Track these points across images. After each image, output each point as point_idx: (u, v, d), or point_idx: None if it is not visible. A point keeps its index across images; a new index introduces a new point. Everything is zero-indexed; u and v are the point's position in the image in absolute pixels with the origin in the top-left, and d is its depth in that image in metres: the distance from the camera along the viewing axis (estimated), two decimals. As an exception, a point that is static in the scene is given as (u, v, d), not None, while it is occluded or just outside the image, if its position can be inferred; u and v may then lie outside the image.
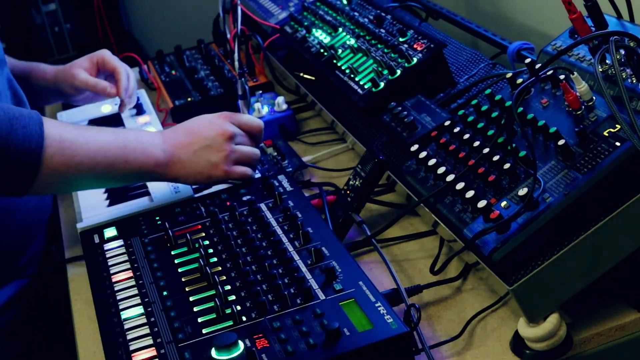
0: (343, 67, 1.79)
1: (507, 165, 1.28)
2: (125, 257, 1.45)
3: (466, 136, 1.40)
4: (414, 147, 1.46)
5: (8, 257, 1.68)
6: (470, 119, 1.44)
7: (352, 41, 1.83)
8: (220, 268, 1.36)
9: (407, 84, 1.65)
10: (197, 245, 1.42)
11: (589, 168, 1.19)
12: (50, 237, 1.81)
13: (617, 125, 1.22)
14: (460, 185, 1.31)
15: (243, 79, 1.80)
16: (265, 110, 1.95)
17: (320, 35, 1.94)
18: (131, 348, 1.22)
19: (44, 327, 1.78)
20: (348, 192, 1.52)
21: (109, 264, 1.44)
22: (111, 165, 1.47)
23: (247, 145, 1.60)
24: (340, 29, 1.90)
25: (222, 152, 1.53)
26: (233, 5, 2.19)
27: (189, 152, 1.52)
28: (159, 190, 1.69)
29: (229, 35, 2.23)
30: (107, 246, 1.49)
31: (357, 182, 1.51)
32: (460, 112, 1.47)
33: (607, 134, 1.21)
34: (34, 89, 1.92)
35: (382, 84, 1.66)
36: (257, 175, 1.73)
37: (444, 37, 1.92)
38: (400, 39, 1.74)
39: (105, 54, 1.92)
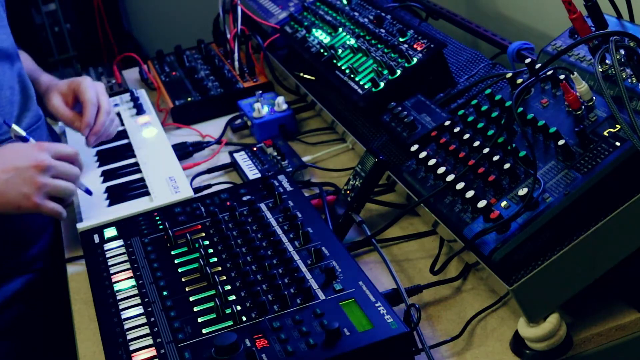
0: (343, 67, 1.79)
1: (507, 165, 1.28)
2: (125, 257, 1.45)
3: (466, 136, 1.40)
4: (414, 147, 1.46)
5: (12, 253, 1.68)
6: (470, 119, 1.44)
7: (352, 41, 1.83)
8: (220, 268, 1.36)
9: (407, 84, 1.65)
10: (197, 245, 1.42)
11: (589, 168, 1.19)
12: (50, 237, 1.81)
13: (617, 125, 1.21)
14: (460, 185, 1.31)
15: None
16: (265, 110, 1.95)
17: (320, 35, 1.94)
18: (131, 348, 1.22)
19: (44, 327, 1.78)
20: (348, 192, 1.52)
21: (109, 264, 1.44)
22: None
23: (63, 178, 1.55)
24: (340, 29, 1.90)
25: (34, 184, 1.49)
26: (233, 5, 2.19)
27: None
28: (159, 190, 1.69)
29: (229, 35, 2.23)
30: (107, 246, 1.49)
31: (357, 182, 1.51)
32: (460, 112, 1.47)
33: (607, 134, 1.21)
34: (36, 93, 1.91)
35: (382, 84, 1.66)
36: (257, 175, 1.73)
37: (444, 37, 1.92)
38: (400, 39, 1.74)
39: (82, 83, 1.84)
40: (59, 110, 1.83)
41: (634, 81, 1.26)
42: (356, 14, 1.92)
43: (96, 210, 1.67)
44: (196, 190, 1.74)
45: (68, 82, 1.88)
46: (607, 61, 1.32)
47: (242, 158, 1.83)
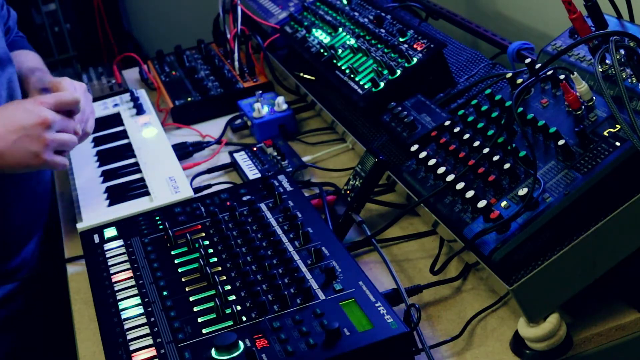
0: (343, 67, 1.79)
1: (507, 165, 1.28)
2: (125, 257, 1.45)
3: (466, 136, 1.40)
4: (414, 147, 1.46)
5: None
6: (470, 119, 1.44)
7: (352, 41, 1.83)
8: (220, 268, 1.36)
9: (407, 84, 1.65)
10: (197, 245, 1.42)
11: (589, 168, 1.19)
12: (49, 237, 1.81)
13: (617, 125, 1.21)
14: (460, 185, 1.31)
15: None
16: (265, 110, 1.95)
17: (320, 35, 1.94)
18: (131, 348, 1.22)
19: (44, 327, 1.78)
20: (348, 192, 1.52)
21: (109, 264, 1.44)
22: None
23: (66, 129, 1.55)
24: (340, 29, 1.90)
25: (42, 141, 1.50)
26: (233, 5, 2.19)
27: (7, 143, 1.48)
28: (159, 190, 1.69)
29: (229, 35, 2.23)
30: (107, 246, 1.49)
31: (357, 182, 1.51)
32: (460, 112, 1.47)
33: (607, 134, 1.21)
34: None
35: (382, 84, 1.66)
36: (257, 175, 1.73)
37: (444, 37, 1.92)
38: (400, 39, 1.74)
39: (61, 83, 1.67)
40: None
41: (634, 81, 1.26)
42: (356, 14, 1.92)
43: (96, 210, 1.67)
44: (196, 190, 1.74)
45: (47, 81, 1.80)
46: (607, 61, 1.32)
47: (242, 158, 1.83)
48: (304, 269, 1.31)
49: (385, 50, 1.74)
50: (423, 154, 1.44)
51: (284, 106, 1.95)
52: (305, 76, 2.00)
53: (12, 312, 1.71)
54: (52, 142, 1.51)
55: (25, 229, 1.72)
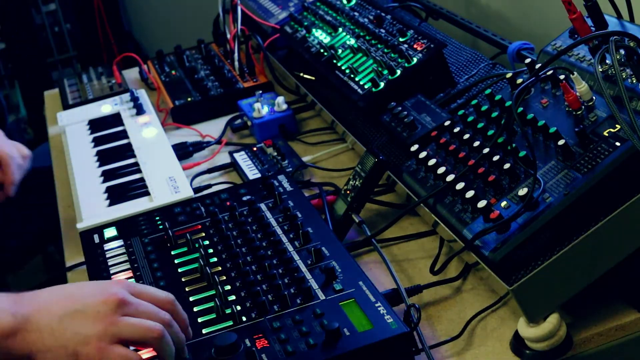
0: (343, 67, 1.79)
1: (507, 165, 1.28)
2: (125, 257, 1.45)
3: (466, 136, 1.40)
4: (414, 147, 1.46)
5: None
6: (470, 119, 1.44)
7: (352, 41, 1.83)
8: (220, 268, 1.36)
9: (407, 84, 1.65)
10: (197, 245, 1.42)
11: (589, 168, 1.19)
12: (49, 238, 1.80)
13: (617, 125, 1.21)
14: (460, 185, 1.31)
15: None
16: (265, 110, 1.95)
17: (320, 35, 1.94)
18: (131, 348, 1.22)
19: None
20: (348, 192, 1.52)
21: (109, 264, 1.44)
22: None
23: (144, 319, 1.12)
24: (340, 29, 1.90)
25: (100, 322, 1.09)
26: (233, 5, 2.19)
27: (52, 317, 1.10)
28: (159, 190, 1.69)
29: (229, 35, 2.23)
30: (107, 246, 1.49)
31: (357, 182, 1.51)
32: (460, 112, 1.47)
33: (607, 134, 1.21)
34: None
35: (382, 84, 1.66)
36: (257, 175, 1.73)
37: (444, 37, 1.92)
38: (400, 39, 1.74)
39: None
40: None
41: (634, 81, 1.26)
42: (356, 14, 1.92)
43: (96, 210, 1.67)
44: (196, 190, 1.74)
45: None
46: (607, 61, 1.32)
47: (242, 158, 1.83)
48: (303, 269, 1.32)
49: (385, 50, 1.74)
50: (423, 154, 1.44)
51: (284, 106, 1.95)
52: (305, 76, 2.00)
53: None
54: (114, 326, 1.10)
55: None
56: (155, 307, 1.13)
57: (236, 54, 2.18)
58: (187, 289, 1.33)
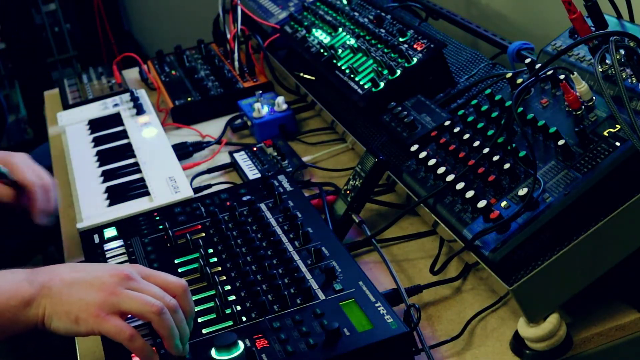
0: (343, 67, 1.79)
1: (507, 165, 1.28)
2: (125, 257, 1.45)
3: (466, 136, 1.40)
4: (414, 147, 1.46)
5: None
6: (470, 119, 1.44)
7: (352, 41, 1.83)
8: (220, 268, 1.36)
9: (407, 84, 1.65)
10: (197, 245, 1.42)
11: (589, 168, 1.19)
12: (49, 238, 1.81)
13: (617, 125, 1.21)
14: (460, 185, 1.31)
15: None
16: (265, 110, 1.95)
17: (320, 35, 1.94)
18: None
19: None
20: (348, 192, 1.52)
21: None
22: None
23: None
24: (340, 29, 1.90)
25: (102, 292, 1.14)
26: (233, 5, 2.19)
27: (63, 284, 1.16)
28: (159, 190, 1.69)
29: (229, 35, 2.23)
30: (107, 246, 1.49)
31: (357, 182, 1.51)
32: (460, 112, 1.47)
33: (607, 134, 1.21)
34: None
35: (382, 84, 1.66)
36: (257, 175, 1.73)
37: (444, 37, 1.92)
38: (400, 39, 1.74)
39: (13, 161, 1.49)
40: None
41: (634, 81, 1.26)
42: (356, 14, 1.92)
43: (96, 210, 1.67)
44: (196, 190, 1.74)
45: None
46: (607, 61, 1.32)
47: (242, 158, 1.83)
48: (304, 269, 1.32)
49: (385, 50, 1.74)
50: (423, 154, 1.44)
51: (284, 106, 1.95)
52: (305, 76, 2.00)
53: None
54: (114, 296, 1.15)
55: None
56: (161, 290, 1.17)
57: (236, 54, 2.18)
58: (187, 289, 1.33)
